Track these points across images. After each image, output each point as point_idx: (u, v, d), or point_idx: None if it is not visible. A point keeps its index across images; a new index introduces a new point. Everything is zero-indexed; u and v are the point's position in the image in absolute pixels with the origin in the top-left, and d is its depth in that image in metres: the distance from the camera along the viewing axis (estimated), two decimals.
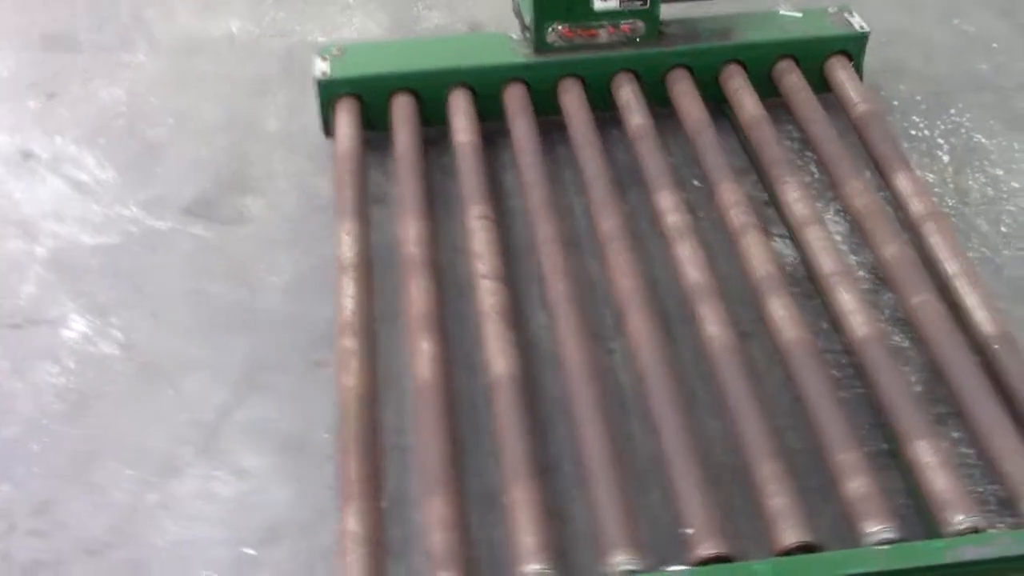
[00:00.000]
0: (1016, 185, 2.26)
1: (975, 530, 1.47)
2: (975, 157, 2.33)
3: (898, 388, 1.64)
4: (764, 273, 1.85)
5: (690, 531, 1.48)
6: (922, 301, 1.80)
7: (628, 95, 2.29)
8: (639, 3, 2.28)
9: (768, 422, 1.62)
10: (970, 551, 1.44)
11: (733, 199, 2.00)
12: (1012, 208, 2.20)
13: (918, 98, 2.51)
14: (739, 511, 1.60)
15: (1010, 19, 2.75)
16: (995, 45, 2.68)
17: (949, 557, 1.42)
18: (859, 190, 2.03)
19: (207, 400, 1.87)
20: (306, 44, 2.69)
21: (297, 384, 1.89)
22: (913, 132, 2.41)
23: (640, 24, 2.31)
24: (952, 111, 2.46)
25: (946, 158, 2.33)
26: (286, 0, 2.90)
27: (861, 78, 2.38)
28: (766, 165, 2.12)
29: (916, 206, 2.00)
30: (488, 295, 1.84)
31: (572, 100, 2.29)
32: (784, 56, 2.37)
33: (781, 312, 1.79)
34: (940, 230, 1.94)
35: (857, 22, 2.38)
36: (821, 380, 1.66)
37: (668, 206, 2.00)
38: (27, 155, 2.41)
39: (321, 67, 2.29)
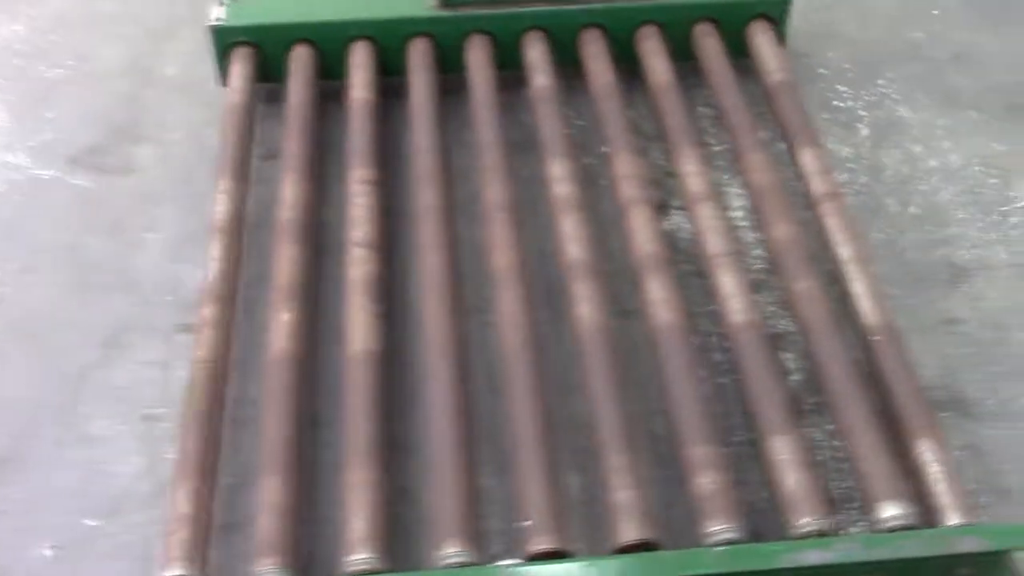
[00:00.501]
0: (934, 164, 2.18)
1: (821, 533, 1.42)
2: (895, 132, 2.25)
3: (762, 380, 1.58)
4: (646, 251, 1.79)
5: (527, 524, 1.44)
6: (805, 287, 1.73)
7: (535, 55, 2.19)
8: None
9: (625, 409, 1.56)
10: (811, 556, 1.39)
11: (625, 171, 1.92)
12: (925, 188, 2.12)
13: (846, 66, 2.41)
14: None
15: None
16: (935, 12, 2.57)
17: (786, 562, 1.37)
18: (758, 164, 1.95)
19: (69, 362, 1.82)
20: None
21: (162, 350, 1.83)
22: (836, 103, 2.32)
23: None
24: (880, 82, 2.37)
25: (865, 131, 2.25)
26: None
27: (784, 43, 2.29)
28: (668, 134, 2.04)
29: (816, 185, 1.92)
30: (358, 264, 1.78)
31: (477, 58, 2.19)
32: (703, 19, 2.27)
33: (657, 293, 1.72)
34: (837, 211, 1.87)
35: None
36: (683, 368, 1.60)
37: (558, 175, 1.93)
38: None
39: (216, 12, 2.19)
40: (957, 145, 2.20)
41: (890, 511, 1.43)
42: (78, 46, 2.45)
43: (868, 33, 2.51)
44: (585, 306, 1.70)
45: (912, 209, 2.08)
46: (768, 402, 1.56)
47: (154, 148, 2.21)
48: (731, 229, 1.90)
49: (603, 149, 2.12)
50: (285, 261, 1.78)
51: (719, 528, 1.42)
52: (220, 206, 1.87)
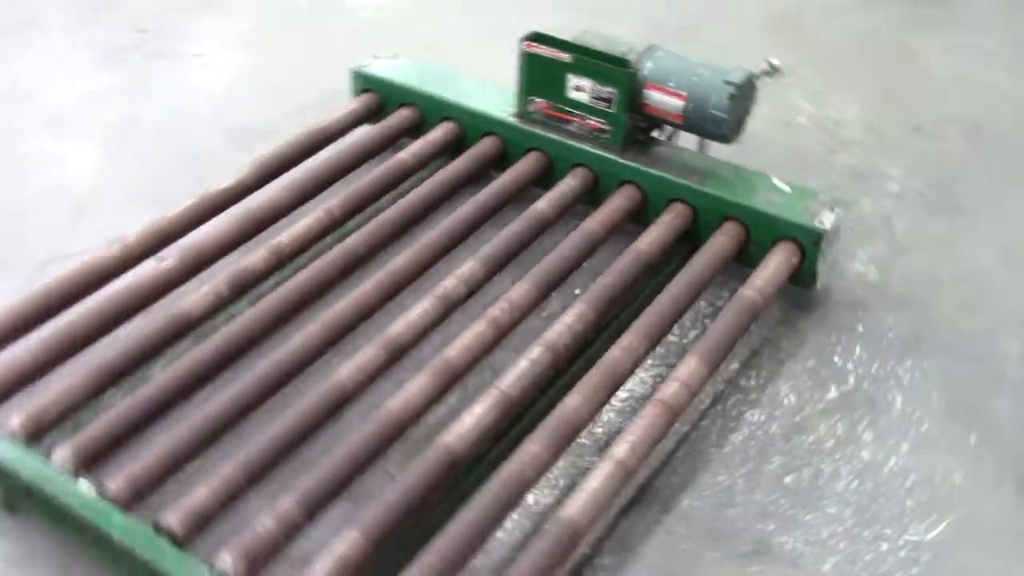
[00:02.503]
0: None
1: None
2: (867, 412, 1.99)
3: None
4: None
5: None
6: None
7: (564, 186, 2.32)
8: (605, 104, 2.29)
9: None
10: None
11: (505, 297, 2.00)
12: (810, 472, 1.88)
13: (890, 335, 2.16)
14: None
15: None
16: None
17: None
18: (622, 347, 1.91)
19: None
20: None
21: None
22: (836, 358, 2.11)
23: (607, 127, 2.31)
24: (899, 370, 2.09)
25: (833, 394, 2.03)
26: None
27: (814, 274, 2.15)
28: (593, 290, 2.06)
29: (663, 387, 1.83)
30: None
31: (521, 167, 2.38)
32: (731, 218, 2.21)
33: None
34: (653, 414, 1.78)
35: (827, 218, 2.14)
36: None
37: (454, 276, 2.06)
38: None
39: (365, 63, 2.64)
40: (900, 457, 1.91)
41: None
42: None
43: (951, 326, 2.21)
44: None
45: None
46: None
47: None
48: None
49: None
50: None
51: None
52: None
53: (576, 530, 1.61)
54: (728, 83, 2.18)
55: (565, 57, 2.30)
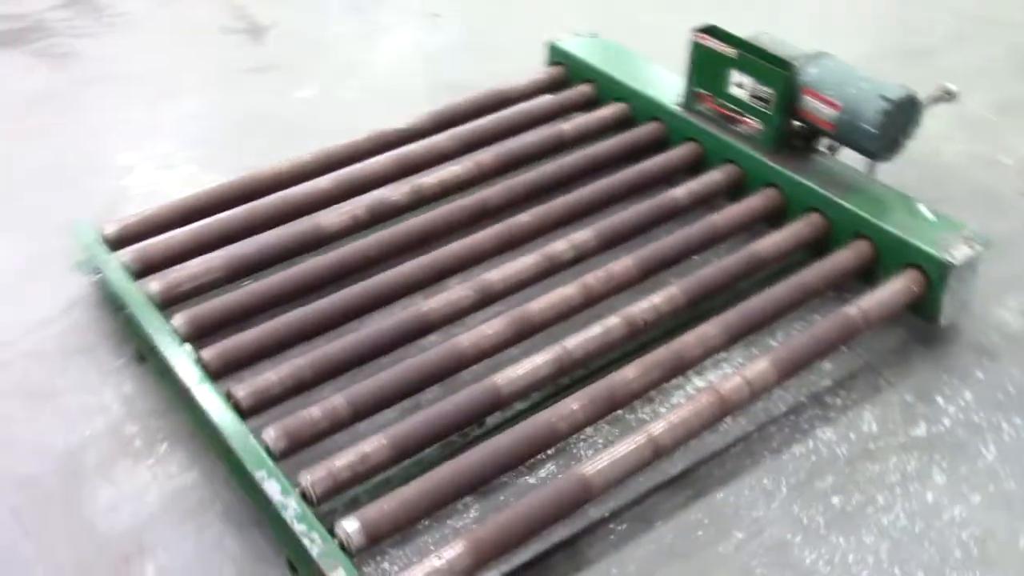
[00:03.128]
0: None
1: None
2: (918, 449, 1.90)
3: None
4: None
5: None
6: None
7: (707, 178, 2.35)
8: (762, 104, 2.28)
9: None
10: None
11: (605, 268, 2.08)
12: None
13: (1010, 389, 2.03)
14: None
15: None
16: None
17: None
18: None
19: None
20: None
21: None
22: (938, 396, 2.01)
23: (761, 128, 2.31)
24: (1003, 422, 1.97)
25: (921, 428, 1.94)
26: None
27: (938, 307, 2.07)
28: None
29: (725, 381, 1.85)
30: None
31: (675, 153, 2.43)
32: (862, 236, 2.15)
33: None
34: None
35: (960, 252, 2.03)
36: None
37: (566, 240, 2.16)
38: None
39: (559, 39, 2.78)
40: None
41: None
42: None
43: None
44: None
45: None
46: None
47: None
48: None
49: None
50: None
51: None
52: None
53: (586, 487, 1.68)
54: (884, 98, 2.12)
55: (730, 52, 2.31)
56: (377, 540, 1.61)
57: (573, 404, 1.79)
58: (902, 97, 2.13)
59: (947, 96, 2.25)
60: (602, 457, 1.72)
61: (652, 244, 2.16)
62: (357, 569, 1.54)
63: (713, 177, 2.36)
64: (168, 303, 2.04)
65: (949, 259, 2.03)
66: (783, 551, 1.74)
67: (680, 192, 2.31)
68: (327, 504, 1.68)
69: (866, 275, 2.16)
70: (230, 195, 2.30)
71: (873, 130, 2.14)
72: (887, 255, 2.13)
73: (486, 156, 2.42)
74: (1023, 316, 2.21)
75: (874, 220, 2.14)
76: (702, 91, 2.42)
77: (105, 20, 3.39)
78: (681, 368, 1.91)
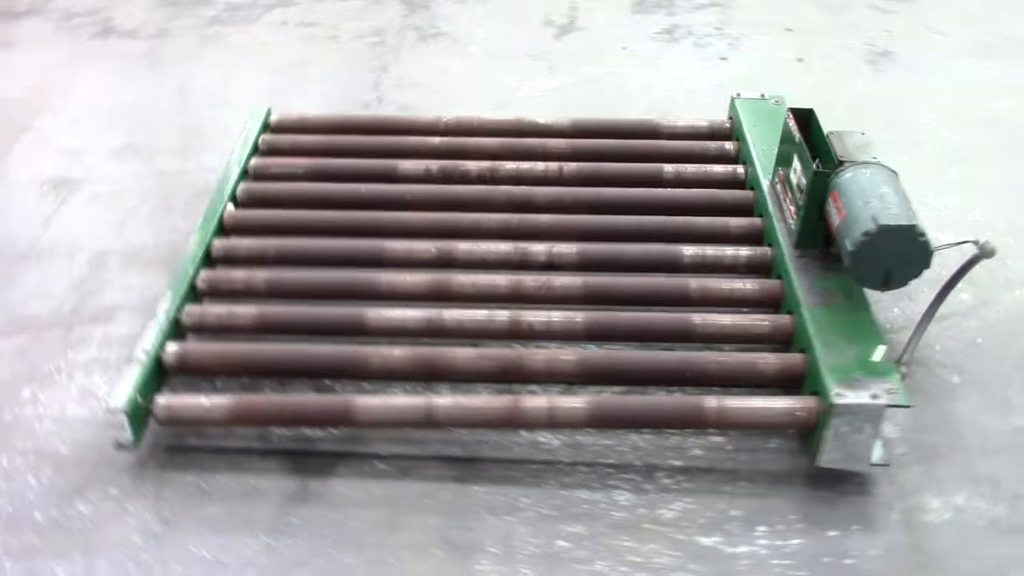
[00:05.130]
0: None
1: None
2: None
3: None
4: None
5: None
6: None
7: (736, 251, 2.33)
8: (801, 196, 2.20)
9: None
10: None
11: (548, 278, 2.23)
12: None
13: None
14: None
15: None
16: None
17: None
18: None
19: None
20: None
21: None
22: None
23: (793, 218, 2.22)
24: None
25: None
26: None
27: (817, 445, 1.91)
28: None
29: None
30: None
31: (730, 222, 2.42)
32: (803, 349, 2.02)
33: None
34: None
35: (852, 396, 1.84)
36: None
37: (541, 247, 2.33)
38: None
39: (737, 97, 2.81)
40: None
41: None
42: None
43: None
44: None
45: None
46: None
47: None
48: None
49: None
50: None
51: None
52: None
53: (348, 411, 1.95)
54: (874, 220, 1.95)
55: (797, 137, 2.24)
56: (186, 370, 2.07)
57: (395, 351, 2.04)
58: (892, 226, 1.94)
59: (981, 253, 1.98)
60: (378, 398, 1.97)
61: (609, 277, 2.25)
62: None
63: (740, 252, 2.32)
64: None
65: (835, 398, 1.86)
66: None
67: (690, 250, 2.32)
68: None
69: (787, 386, 2.03)
70: (373, 125, 2.81)
71: (850, 248, 1.99)
72: (808, 375, 1.98)
73: (572, 166, 2.62)
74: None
75: (812, 334, 2.00)
76: (780, 169, 2.37)
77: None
78: (516, 373, 2.03)
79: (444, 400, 1.96)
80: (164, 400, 1.98)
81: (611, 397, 2.00)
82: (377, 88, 3.34)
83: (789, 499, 1.94)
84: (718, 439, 2.05)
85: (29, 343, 2.29)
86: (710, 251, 2.32)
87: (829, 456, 1.92)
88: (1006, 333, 2.31)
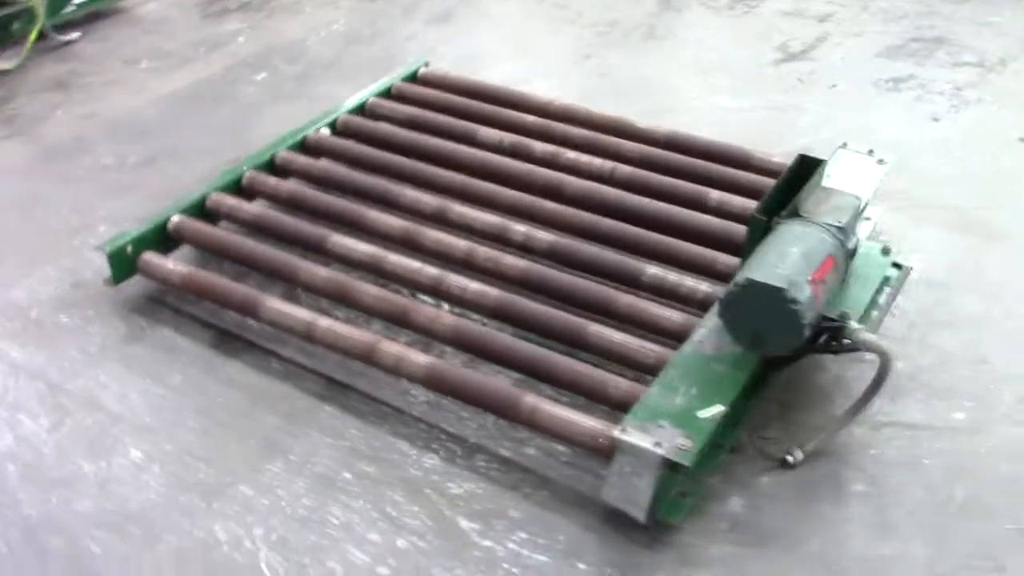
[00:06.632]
0: None
1: None
2: None
3: None
4: None
5: None
6: None
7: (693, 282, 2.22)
8: None
9: None
10: None
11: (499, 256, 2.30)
12: None
13: None
14: None
15: None
16: None
17: None
18: None
19: None
20: None
21: None
22: None
23: None
24: None
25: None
26: None
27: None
28: None
29: None
30: None
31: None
32: None
33: None
34: None
35: (633, 438, 1.74)
36: None
37: (521, 227, 2.39)
38: None
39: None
40: None
41: None
42: None
43: None
44: None
45: None
46: None
47: None
48: None
49: None
50: None
51: None
52: None
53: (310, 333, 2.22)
54: (740, 280, 1.81)
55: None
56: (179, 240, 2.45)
57: (321, 271, 2.26)
58: (761, 284, 1.78)
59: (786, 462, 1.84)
60: (283, 304, 2.21)
61: (553, 270, 2.26)
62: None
63: (701, 286, 2.20)
64: None
65: (619, 432, 1.77)
66: None
67: (652, 270, 2.25)
68: None
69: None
70: (494, 94, 2.99)
71: (722, 297, 1.85)
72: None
73: (625, 170, 2.60)
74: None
75: (662, 372, 1.90)
76: None
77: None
78: (402, 320, 2.16)
79: (324, 322, 2.15)
80: (146, 256, 2.39)
81: (446, 365, 2.04)
82: (571, 72, 3.50)
83: (570, 522, 1.87)
84: (561, 448, 2.01)
85: None
86: (671, 276, 2.23)
87: (610, 492, 1.83)
88: (944, 474, 1.99)
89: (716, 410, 1.82)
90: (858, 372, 2.14)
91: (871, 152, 2.55)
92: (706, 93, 3.34)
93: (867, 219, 2.51)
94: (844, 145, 2.58)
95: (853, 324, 1.90)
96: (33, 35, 3.53)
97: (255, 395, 2.17)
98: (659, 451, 1.73)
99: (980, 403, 2.12)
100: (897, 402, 2.12)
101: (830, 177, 2.45)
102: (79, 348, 2.29)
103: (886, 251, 2.16)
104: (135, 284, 2.43)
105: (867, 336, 1.89)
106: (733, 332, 1.88)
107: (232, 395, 2.17)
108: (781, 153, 2.70)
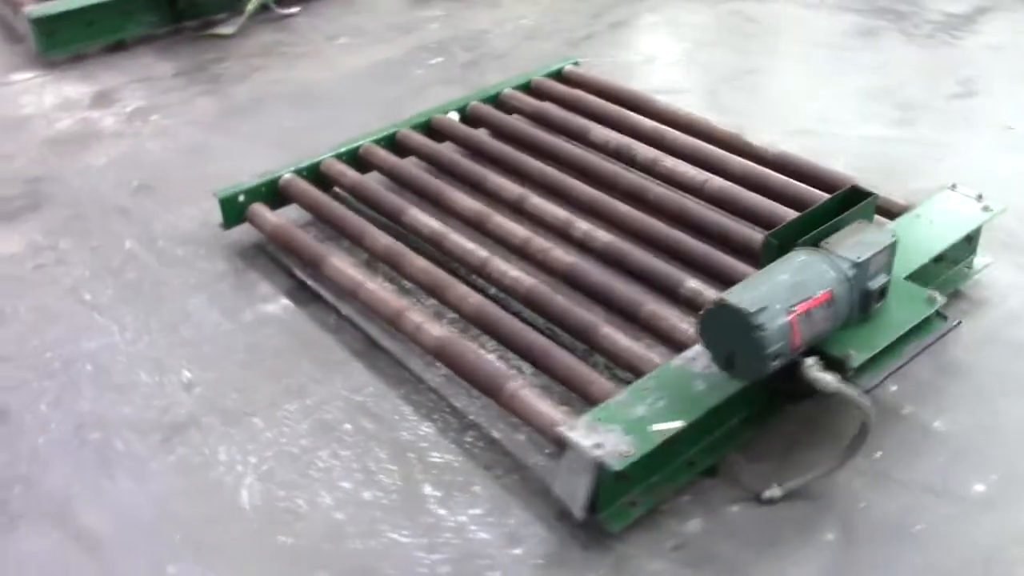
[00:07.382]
0: None
1: None
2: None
3: None
4: None
5: None
6: None
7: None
8: None
9: None
10: None
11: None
12: None
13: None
14: None
15: None
16: None
17: None
18: None
19: None
20: None
21: None
22: None
23: None
24: None
25: None
26: None
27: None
28: None
29: None
30: None
31: None
32: None
33: None
34: None
35: (577, 436, 1.76)
36: None
37: (584, 225, 2.43)
38: None
39: None
40: None
41: None
42: None
43: None
44: None
45: None
46: None
47: None
48: None
49: None
50: None
51: None
52: None
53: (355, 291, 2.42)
54: (718, 300, 1.77)
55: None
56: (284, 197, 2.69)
57: (382, 239, 2.42)
58: (732, 306, 1.74)
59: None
60: (344, 263, 2.39)
61: (597, 269, 2.29)
62: None
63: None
64: None
65: (565, 428, 1.79)
66: None
67: (691, 284, 2.22)
68: None
69: None
70: (625, 97, 3.02)
71: (701, 314, 1.81)
72: None
73: (716, 183, 2.57)
74: None
75: (640, 379, 1.90)
76: None
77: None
78: (439, 293, 2.28)
79: (371, 285, 2.31)
80: (254, 206, 2.65)
81: (453, 340, 2.12)
82: (721, 86, 3.45)
83: (526, 509, 1.92)
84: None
85: None
86: (708, 292, 2.19)
87: (557, 484, 1.86)
88: (933, 546, 1.83)
89: (672, 425, 1.80)
90: (884, 418, 2.02)
91: (979, 197, 2.37)
92: (857, 120, 3.18)
93: (967, 269, 2.36)
94: (953, 187, 2.41)
95: (851, 363, 1.81)
96: (251, 6, 3.94)
97: (303, 342, 2.36)
98: (595, 453, 1.74)
99: (1007, 480, 1.93)
100: (917, 460, 1.98)
101: (919, 217, 2.32)
102: (180, 279, 2.59)
103: (931, 300, 2.00)
104: (246, 232, 2.71)
105: (844, 387, 1.79)
106: (710, 352, 1.84)
107: (284, 339, 2.38)
108: (905, 192, 2.55)
